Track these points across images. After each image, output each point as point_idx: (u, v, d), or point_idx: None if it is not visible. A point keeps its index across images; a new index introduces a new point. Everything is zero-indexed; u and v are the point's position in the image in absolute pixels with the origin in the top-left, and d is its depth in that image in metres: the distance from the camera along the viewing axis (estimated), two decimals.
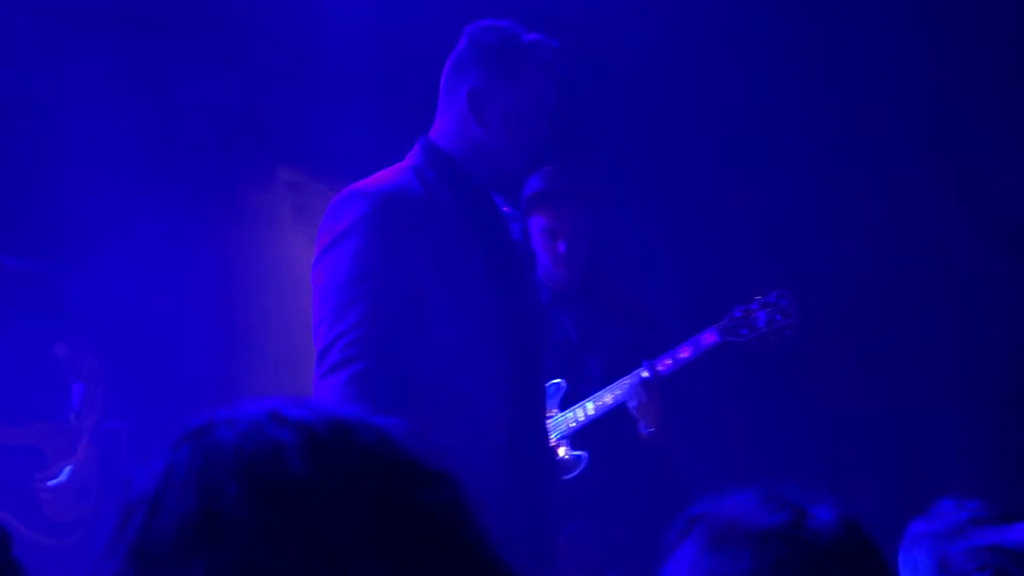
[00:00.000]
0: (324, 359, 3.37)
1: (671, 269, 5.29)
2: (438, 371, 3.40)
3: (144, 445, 5.01)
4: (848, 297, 5.22)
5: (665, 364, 4.40)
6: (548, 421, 4.00)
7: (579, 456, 4.45)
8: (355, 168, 5.05)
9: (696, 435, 4.78)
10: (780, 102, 5.23)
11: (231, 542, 1.04)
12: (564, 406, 4.46)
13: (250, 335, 5.35)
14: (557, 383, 4.45)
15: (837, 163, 5.26)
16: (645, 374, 4.39)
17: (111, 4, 5.30)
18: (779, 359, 4.81)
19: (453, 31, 3.73)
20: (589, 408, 4.45)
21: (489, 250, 3.58)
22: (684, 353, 4.40)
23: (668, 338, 4.48)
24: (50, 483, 4.66)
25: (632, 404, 4.39)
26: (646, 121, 5.36)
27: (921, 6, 5.06)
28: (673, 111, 5.34)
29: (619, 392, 4.42)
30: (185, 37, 5.37)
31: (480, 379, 3.46)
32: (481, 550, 1.10)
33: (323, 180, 5.30)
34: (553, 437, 4.28)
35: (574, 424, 4.44)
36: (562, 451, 4.40)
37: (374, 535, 1.05)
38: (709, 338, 4.41)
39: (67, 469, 4.73)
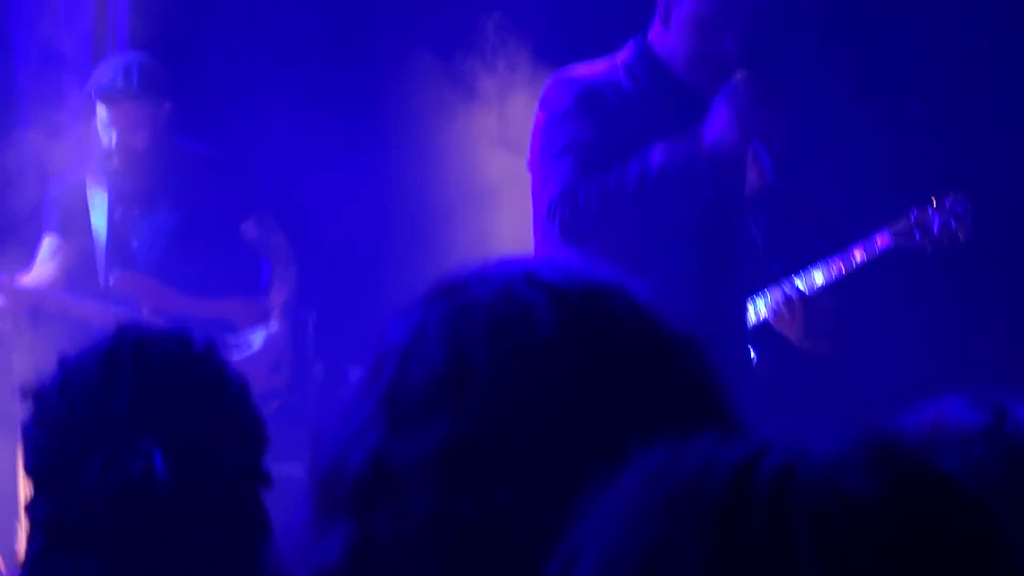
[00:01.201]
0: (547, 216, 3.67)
1: (851, 171, 5.24)
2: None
3: (331, 334, 5.24)
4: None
5: (836, 265, 4.41)
6: None
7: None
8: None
9: (866, 344, 4.77)
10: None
11: (477, 396, 1.08)
12: None
13: (427, 226, 5.44)
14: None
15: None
16: (801, 286, 4.41)
17: None
18: (952, 264, 4.78)
19: None
20: (761, 308, 4.48)
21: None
22: (857, 254, 4.40)
23: (850, 243, 4.48)
24: (244, 353, 4.83)
25: (772, 319, 4.42)
26: (823, 21, 5.32)
27: None
28: (851, 9, 5.30)
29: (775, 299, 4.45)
30: None
31: (667, 272, 3.56)
32: (731, 417, 1.11)
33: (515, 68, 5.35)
34: None
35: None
36: None
37: (619, 398, 1.08)
38: (883, 240, 4.38)
39: (260, 339, 4.93)
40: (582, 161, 3.63)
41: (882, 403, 4.46)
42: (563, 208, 3.62)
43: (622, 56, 3.73)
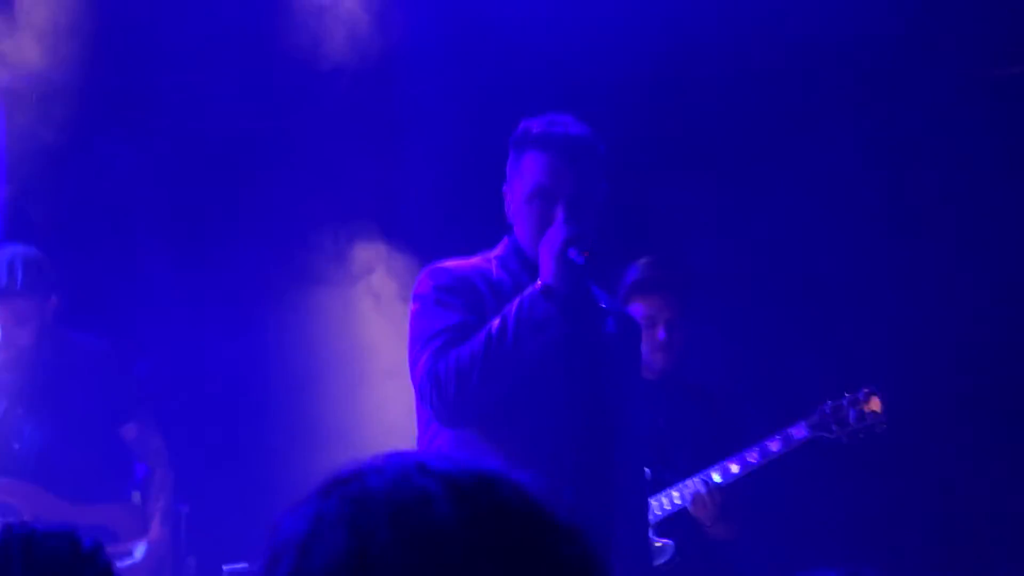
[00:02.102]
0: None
1: (754, 362, 5.45)
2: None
3: (205, 527, 5.22)
4: (933, 395, 5.32)
5: (752, 456, 4.51)
6: None
7: (666, 544, 4.55)
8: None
9: (766, 531, 4.92)
10: (866, 191, 5.42)
11: None
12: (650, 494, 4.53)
13: (312, 416, 5.49)
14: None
15: (927, 263, 5.37)
16: (717, 478, 4.52)
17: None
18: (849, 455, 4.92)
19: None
20: (675, 497, 4.56)
21: (562, 341, 3.72)
22: (773, 446, 4.50)
23: (751, 430, 4.62)
24: (125, 562, 4.77)
25: (691, 505, 4.52)
26: (729, 202, 5.51)
27: None
28: (755, 194, 5.51)
29: (694, 489, 4.55)
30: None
31: (545, 452, 3.66)
32: None
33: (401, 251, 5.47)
34: None
35: (659, 512, 4.55)
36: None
37: None
38: (799, 432, 4.49)
39: (141, 548, 4.89)
40: (448, 343, 3.67)
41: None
42: (429, 388, 3.65)
43: (496, 251, 3.84)
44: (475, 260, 3.85)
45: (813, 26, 5.27)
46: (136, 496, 5.05)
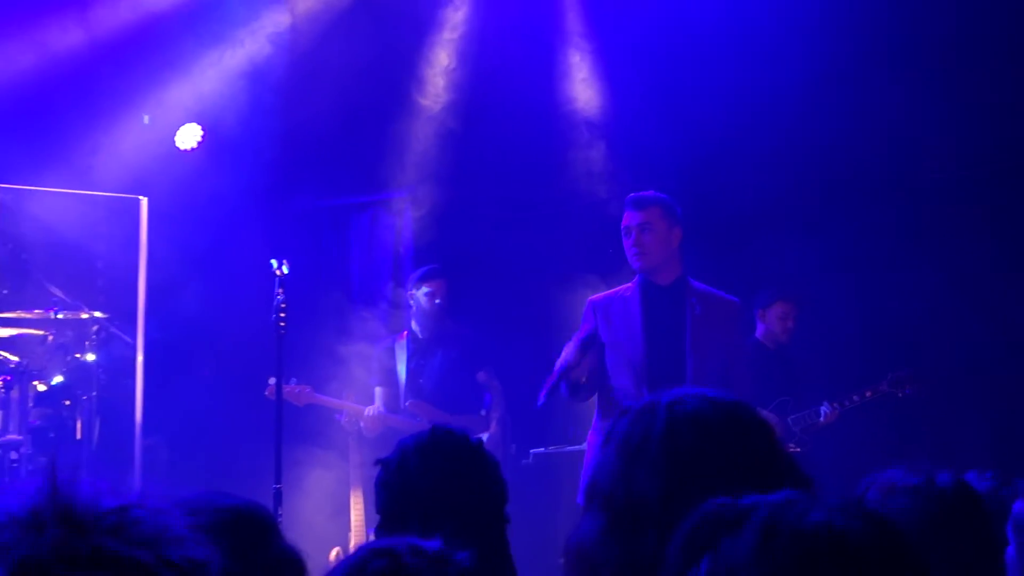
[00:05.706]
0: None
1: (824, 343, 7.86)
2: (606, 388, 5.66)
3: (520, 427, 7.63)
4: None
5: (853, 399, 7.12)
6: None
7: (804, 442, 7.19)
8: None
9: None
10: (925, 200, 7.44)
11: (685, 469, 1.69)
12: (784, 413, 7.21)
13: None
14: (784, 400, 7.24)
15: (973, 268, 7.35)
16: (837, 405, 7.15)
17: None
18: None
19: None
20: (812, 414, 7.18)
21: (651, 317, 5.58)
22: (868, 393, 7.16)
23: (814, 386, 7.28)
24: None
25: (822, 418, 7.17)
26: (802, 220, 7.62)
27: None
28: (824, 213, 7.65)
29: (825, 409, 7.16)
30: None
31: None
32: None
33: None
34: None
35: (802, 424, 7.15)
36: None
37: (749, 469, 1.72)
38: (882, 387, 7.14)
39: (484, 439, 6.66)
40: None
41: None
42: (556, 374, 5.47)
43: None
44: (622, 287, 5.70)
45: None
46: (483, 412, 7.51)
